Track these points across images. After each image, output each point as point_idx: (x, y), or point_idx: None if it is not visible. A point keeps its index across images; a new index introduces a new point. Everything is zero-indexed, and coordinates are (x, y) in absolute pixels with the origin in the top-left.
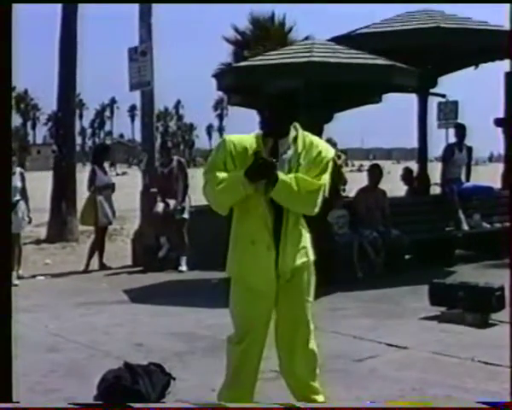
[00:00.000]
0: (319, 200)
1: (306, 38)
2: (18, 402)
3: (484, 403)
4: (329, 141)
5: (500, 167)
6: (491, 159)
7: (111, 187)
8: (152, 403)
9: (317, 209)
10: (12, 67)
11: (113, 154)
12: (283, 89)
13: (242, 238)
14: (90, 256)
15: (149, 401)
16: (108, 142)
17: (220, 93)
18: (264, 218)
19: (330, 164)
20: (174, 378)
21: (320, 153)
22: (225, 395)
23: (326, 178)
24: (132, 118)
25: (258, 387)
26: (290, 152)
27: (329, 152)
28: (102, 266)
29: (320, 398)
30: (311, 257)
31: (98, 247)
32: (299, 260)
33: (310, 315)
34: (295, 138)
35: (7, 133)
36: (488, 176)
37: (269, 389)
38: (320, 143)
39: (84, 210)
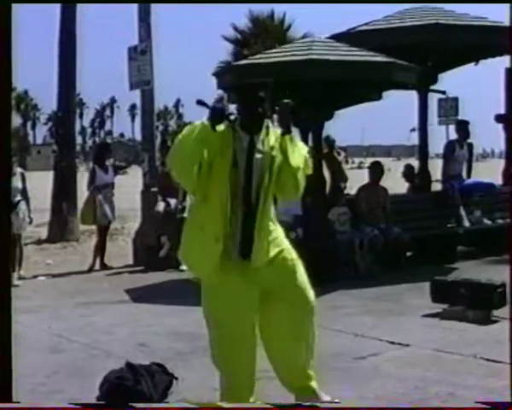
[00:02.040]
0: (302, 181)
1: (304, 36)
2: (18, 402)
3: (484, 403)
4: (327, 138)
5: (497, 163)
6: (483, 155)
7: (110, 186)
8: (154, 403)
9: (300, 192)
10: (12, 67)
11: (114, 153)
12: (258, 87)
13: (194, 223)
14: (96, 256)
15: (152, 401)
16: (109, 141)
17: (220, 91)
18: (222, 207)
19: (308, 159)
20: (177, 378)
21: (292, 139)
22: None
23: (304, 155)
24: (132, 117)
25: (258, 386)
26: (265, 147)
27: (303, 148)
28: (104, 266)
29: (314, 384)
30: (288, 245)
31: (99, 246)
32: (277, 249)
33: (309, 291)
34: (267, 133)
35: (6, 133)
36: (486, 172)
37: (270, 388)
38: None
39: (84, 209)
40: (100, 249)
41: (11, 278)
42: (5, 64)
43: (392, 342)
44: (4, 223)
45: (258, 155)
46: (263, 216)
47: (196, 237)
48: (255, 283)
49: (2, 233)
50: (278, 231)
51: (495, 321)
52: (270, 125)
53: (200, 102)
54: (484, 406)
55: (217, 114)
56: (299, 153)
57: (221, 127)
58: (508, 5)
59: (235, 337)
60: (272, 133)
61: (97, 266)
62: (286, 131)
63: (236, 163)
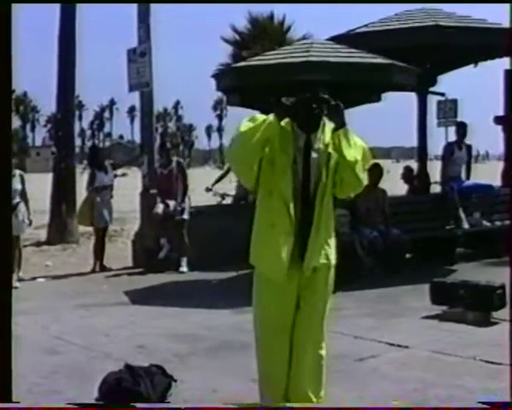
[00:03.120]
0: (362, 174)
1: (304, 37)
2: (18, 402)
3: (485, 403)
4: None
5: (495, 165)
6: (477, 157)
7: (109, 188)
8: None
9: (359, 188)
10: (12, 68)
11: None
12: (316, 86)
13: (263, 221)
14: (96, 257)
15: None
16: (108, 143)
17: (219, 93)
18: (286, 201)
19: (366, 151)
20: (176, 380)
21: (346, 133)
22: (260, 389)
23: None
24: (132, 119)
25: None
26: (321, 145)
27: (360, 140)
28: (103, 268)
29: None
30: (334, 261)
31: (98, 248)
32: (324, 260)
33: (325, 324)
34: (323, 130)
35: (7, 135)
36: (485, 174)
37: None
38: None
39: (81, 210)
40: (99, 251)
41: (12, 280)
42: (5, 64)
43: (392, 344)
44: (5, 225)
45: (314, 155)
46: (320, 216)
47: (268, 234)
48: (299, 282)
49: (4, 235)
50: (332, 240)
51: (494, 323)
52: (326, 121)
53: (278, 101)
54: (485, 406)
55: (287, 110)
56: (356, 146)
57: (282, 123)
58: (508, 5)
59: (278, 333)
60: (328, 130)
61: (97, 268)
62: (339, 125)
63: (296, 161)
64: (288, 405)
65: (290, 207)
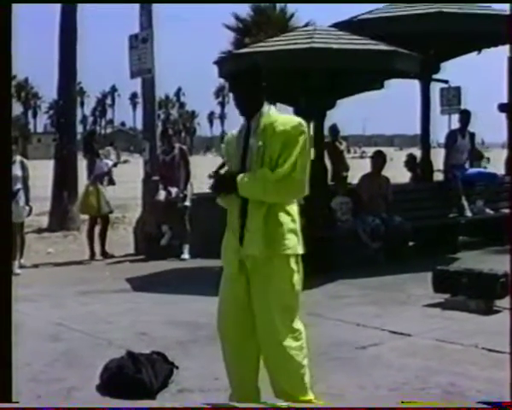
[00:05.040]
0: (299, 183)
1: (307, 24)
2: (17, 402)
3: (484, 403)
4: (334, 128)
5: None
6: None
7: (107, 174)
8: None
9: (301, 193)
10: (11, 65)
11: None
12: (239, 68)
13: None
14: (92, 244)
15: (152, 390)
16: (109, 130)
17: (222, 80)
18: (236, 205)
19: (301, 137)
20: (177, 367)
21: (284, 131)
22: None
23: (295, 155)
24: (134, 106)
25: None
26: (256, 138)
27: (292, 124)
28: (105, 255)
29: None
30: (288, 251)
31: (101, 235)
32: (269, 249)
33: (284, 318)
34: (260, 119)
35: (6, 122)
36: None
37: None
38: (280, 118)
39: (86, 200)
40: (104, 238)
41: (11, 271)
42: (5, 64)
43: (394, 332)
44: (5, 212)
45: (251, 142)
46: (254, 206)
47: (226, 233)
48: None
49: (3, 222)
50: (285, 229)
51: (497, 311)
52: (266, 109)
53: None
54: (485, 406)
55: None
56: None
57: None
58: (508, 5)
59: (221, 330)
60: (263, 119)
61: (96, 255)
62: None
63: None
64: (285, 404)
65: (234, 203)
